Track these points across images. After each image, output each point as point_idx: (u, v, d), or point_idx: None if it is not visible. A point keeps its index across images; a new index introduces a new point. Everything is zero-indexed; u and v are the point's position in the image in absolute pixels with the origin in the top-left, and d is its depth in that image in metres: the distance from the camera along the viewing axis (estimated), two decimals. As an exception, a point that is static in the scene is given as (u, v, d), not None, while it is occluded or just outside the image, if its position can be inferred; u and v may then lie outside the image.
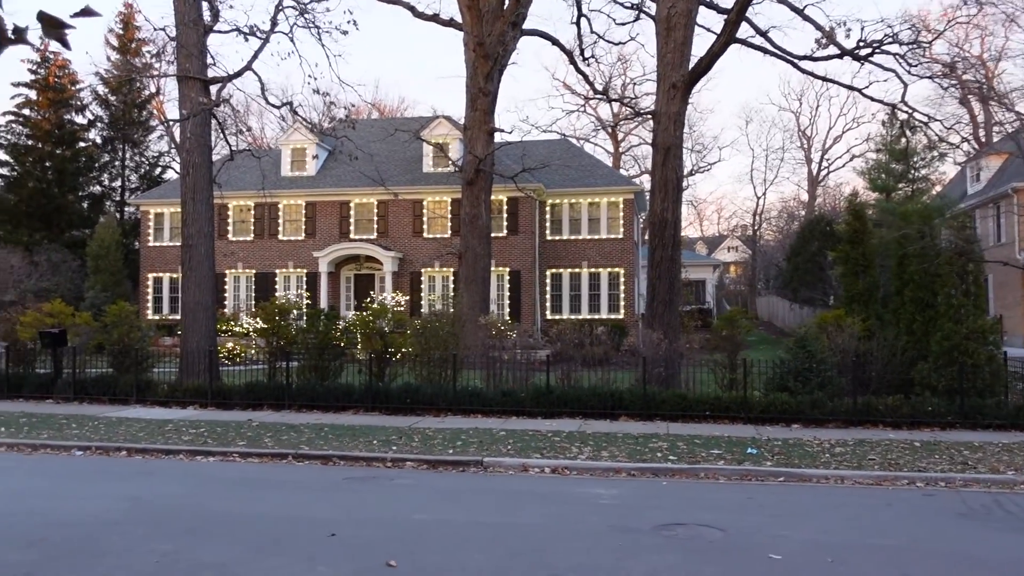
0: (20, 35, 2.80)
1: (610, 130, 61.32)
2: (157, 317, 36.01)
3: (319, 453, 12.64)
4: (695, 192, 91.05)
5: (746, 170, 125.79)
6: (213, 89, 20.23)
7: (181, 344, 20.71)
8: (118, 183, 49.46)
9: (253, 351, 28.82)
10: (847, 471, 11.24)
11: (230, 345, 28.14)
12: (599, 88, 30.49)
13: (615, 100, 32.09)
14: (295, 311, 21.99)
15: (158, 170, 50.83)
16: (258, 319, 31.01)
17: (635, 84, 48.50)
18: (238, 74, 19.87)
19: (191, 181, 20.17)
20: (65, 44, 2.86)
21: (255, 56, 19.78)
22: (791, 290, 39.42)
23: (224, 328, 32.21)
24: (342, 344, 20.38)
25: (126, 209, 48.97)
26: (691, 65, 19.70)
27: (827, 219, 39.56)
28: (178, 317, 36.25)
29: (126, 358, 20.17)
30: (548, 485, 10.69)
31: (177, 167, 57.24)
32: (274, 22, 19.85)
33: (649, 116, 22.15)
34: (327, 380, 19.21)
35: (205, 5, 19.89)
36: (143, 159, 50.33)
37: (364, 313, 21.69)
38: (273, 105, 19.49)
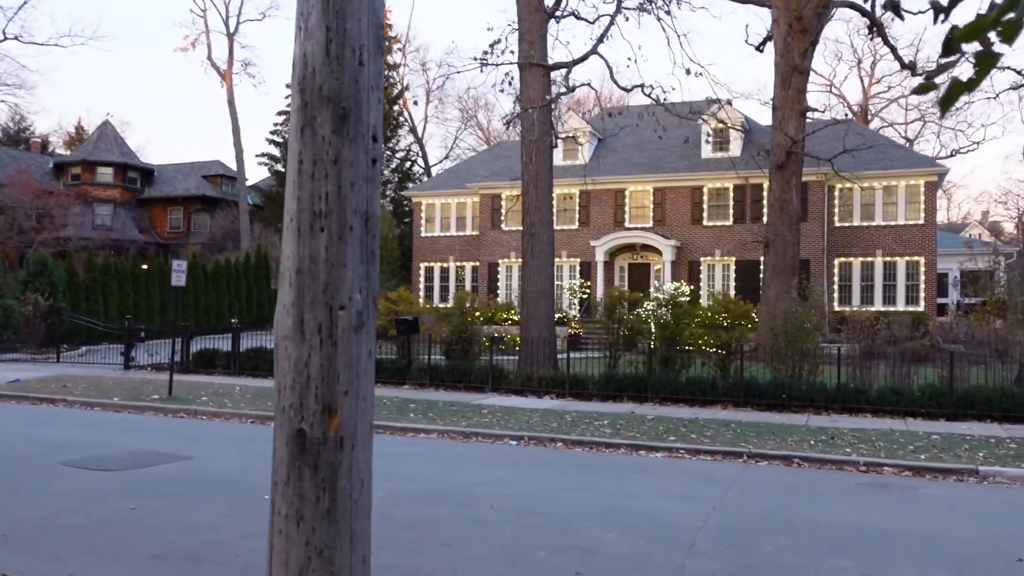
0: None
1: (858, 110, 57.66)
2: (428, 305, 36.89)
3: (777, 453, 11.79)
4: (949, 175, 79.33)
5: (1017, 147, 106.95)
6: (554, 75, 19.96)
7: (521, 332, 20.64)
8: (371, 177, 51.63)
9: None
10: None
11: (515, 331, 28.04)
12: (906, 62, 28.09)
13: (1011, 69, 27.56)
14: (625, 301, 21.49)
15: (407, 164, 52.62)
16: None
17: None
18: (583, 58, 19.47)
19: (534, 169, 20.01)
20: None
21: (600, 39, 19.29)
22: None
23: (505, 317, 32.48)
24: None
25: (380, 202, 51.05)
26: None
27: None
28: (449, 304, 37.19)
29: (472, 346, 20.38)
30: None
31: (421, 162, 59.15)
32: (619, 5, 19.25)
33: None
34: (675, 371, 18.50)
35: (548, -10, 19.62)
36: (393, 154, 52.21)
37: (696, 304, 20.87)
38: (623, 88, 18.91)
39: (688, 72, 23.40)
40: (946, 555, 6.68)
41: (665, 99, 19.73)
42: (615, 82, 18.85)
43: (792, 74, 25.29)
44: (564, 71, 19.86)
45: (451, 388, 19.05)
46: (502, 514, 7.78)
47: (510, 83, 19.54)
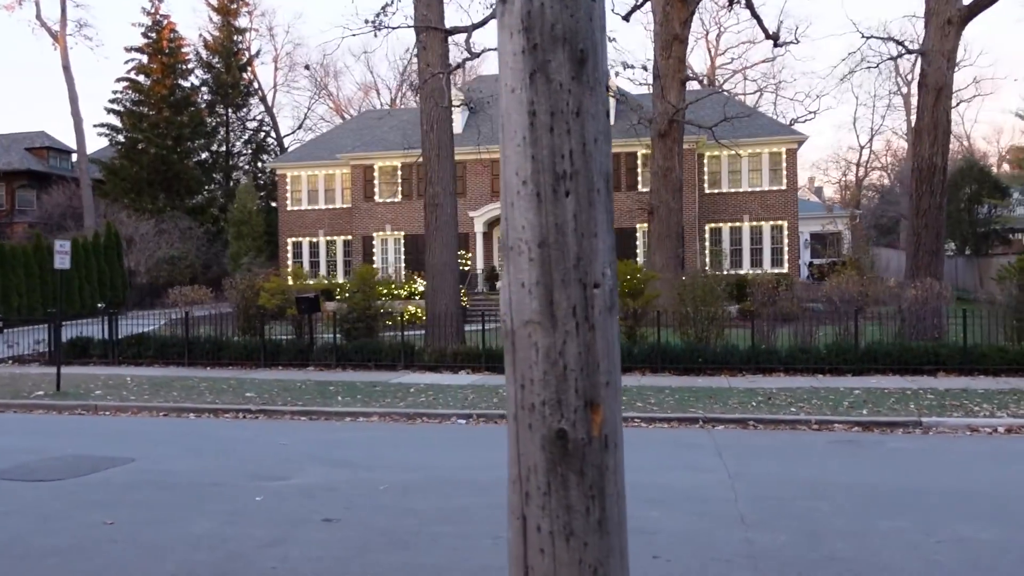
0: None
1: (705, 81, 59.89)
2: (298, 282, 35.40)
3: (731, 417, 11.92)
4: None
5: (848, 118, 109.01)
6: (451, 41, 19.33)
7: (427, 306, 20.02)
8: (223, 148, 48.81)
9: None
10: None
11: (412, 309, 27.43)
12: (771, 32, 29.14)
13: (893, 40, 27.14)
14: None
15: (261, 134, 50.22)
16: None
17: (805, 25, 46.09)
18: (483, 22, 18.90)
19: (435, 137, 19.33)
20: None
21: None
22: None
23: (385, 292, 31.58)
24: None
25: (233, 174, 48.40)
26: (967, -1, 18.60)
27: (978, 165, 38.11)
28: (320, 281, 35.79)
29: (376, 323, 19.63)
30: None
31: (273, 132, 56.51)
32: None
33: (906, 54, 20.99)
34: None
35: (445, -49, 18.89)
36: (244, 124, 49.70)
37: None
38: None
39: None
40: (982, 509, 6.87)
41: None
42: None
43: (673, 43, 25.71)
44: (464, 35, 19.24)
45: (360, 368, 18.23)
46: (525, 499, 7.38)
47: (423, 48, 18.70)
